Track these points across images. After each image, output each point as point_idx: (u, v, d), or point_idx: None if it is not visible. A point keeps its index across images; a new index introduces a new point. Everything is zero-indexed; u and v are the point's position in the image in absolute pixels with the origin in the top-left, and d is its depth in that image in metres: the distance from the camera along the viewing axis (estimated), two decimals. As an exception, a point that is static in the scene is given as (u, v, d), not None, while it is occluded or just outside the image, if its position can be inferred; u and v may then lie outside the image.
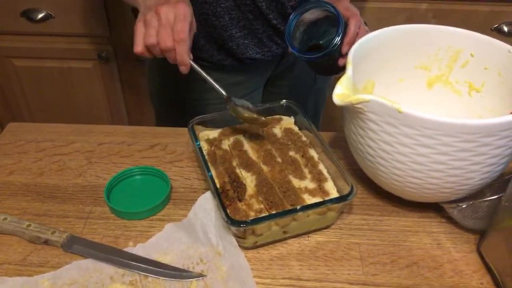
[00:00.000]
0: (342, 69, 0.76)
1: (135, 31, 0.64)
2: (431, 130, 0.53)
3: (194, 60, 0.66)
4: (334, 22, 0.72)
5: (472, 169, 0.56)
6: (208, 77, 0.66)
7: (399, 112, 0.53)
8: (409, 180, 0.59)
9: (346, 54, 0.70)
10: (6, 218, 0.62)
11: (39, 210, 0.66)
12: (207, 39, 0.85)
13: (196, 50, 0.84)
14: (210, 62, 0.87)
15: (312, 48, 0.77)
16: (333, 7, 0.72)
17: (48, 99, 1.50)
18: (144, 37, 0.63)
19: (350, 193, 0.60)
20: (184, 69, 0.64)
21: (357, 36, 0.73)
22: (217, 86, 0.67)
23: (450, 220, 0.65)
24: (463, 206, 0.60)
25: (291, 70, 0.97)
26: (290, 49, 0.78)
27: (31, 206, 0.66)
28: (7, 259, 0.59)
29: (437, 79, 0.74)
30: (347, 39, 0.72)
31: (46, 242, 0.61)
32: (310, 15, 0.76)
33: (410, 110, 0.53)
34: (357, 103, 0.56)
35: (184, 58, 0.63)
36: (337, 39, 0.71)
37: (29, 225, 0.62)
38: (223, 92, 0.67)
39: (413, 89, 0.74)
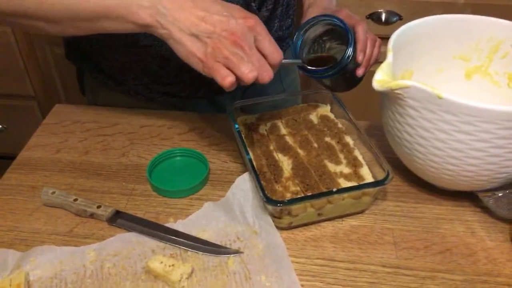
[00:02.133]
0: (359, 81, 0.74)
1: (212, 69, 0.54)
2: (470, 117, 0.53)
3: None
4: (339, 34, 0.69)
5: (510, 157, 0.56)
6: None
7: (439, 98, 0.54)
8: (446, 167, 0.60)
9: (360, 64, 0.69)
10: (54, 192, 0.66)
11: (84, 186, 0.69)
12: (178, 71, 0.80)
13: (163, 86, 0.82)
14: (181, 96, 0.83)
15: (317, 64, 0.71)
16: (337, 18, 0.68)
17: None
18: (240, 71, 0.54)
19: (386, 178, 0.61)
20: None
21: (368, 42, 0.69)
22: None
23: (485, 209, 0.66)
24: (499, 195, 0.60)
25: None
26: (300, 72, 0.71)
27: (77, 182, 0.70)
28: (55, 230, 0.63)
29: (476, 70, 0.74)
30: (359, 47, 0.68)
31: (92, 215, 0.64)
32: (312, 33, 0.72)
33: (451, 96, 0.53)
34: (396, 89, 0.56)
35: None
36: (350, 49, 0.67)
37: (76, 199, 0.65)
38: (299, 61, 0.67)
39: (451, 79, 0.74)
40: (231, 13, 0.55)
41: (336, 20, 0.68)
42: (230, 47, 0.54)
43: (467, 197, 0.67)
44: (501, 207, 0.62)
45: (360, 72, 0.70)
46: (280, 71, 0.94)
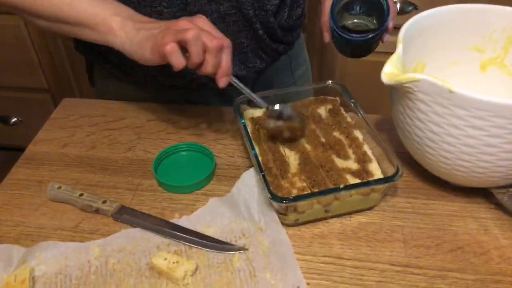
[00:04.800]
0: (375, 47, 0.74)
1: (168, 53, 0.58)
2: (482, 111, 0.51)
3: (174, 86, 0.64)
4: (366, 2, 0.70)
5: (525, 153, 0.54)
6: (247, 89, 0.66)
7: (450, 92, 0.52)
8: (458, 163, 0.58)
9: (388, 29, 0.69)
10: (60, 187, 0.66)
11: (90, 180, 0.69)
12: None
13: (170, 78, 0.81)
14: (188, 88, 0.84)
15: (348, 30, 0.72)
16: None
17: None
18: (192, 55, 0.58)
19: (396, 174, 0.59)
20: (225, 82, 0.62)
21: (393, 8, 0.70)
22: (256, 98, 0.67)
23: (499, 206, 0.63)
24: (514, 192, 0.58)
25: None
26: (332, 27, 0.72)
27: (83, 177, 0.70)
28: (60, 225, 0.63)
29: (491, 61, 0.71)
30: (391, 14, 0.68)
31: (97, 210, 0.64)
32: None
33: (462, 90, 0.51)
34: (406, 82, 0.55)
35: (230, 68, 0.61)
36: (389, 16, 0.67)
37: (82, 194, 0.65)
38: (264, 104, 0.67)
39: (465, 72, 0.72)
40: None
41: None
42: (175, 28, 0.58)
43: (481, 193, 0.64)
44: (516, 204, 0.60)
45: (385, 38, 0.71)
46: (291, 63, 0.93)
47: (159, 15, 0.71)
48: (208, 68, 0.60)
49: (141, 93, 0.85)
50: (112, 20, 0.62)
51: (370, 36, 0.69)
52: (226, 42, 0.60)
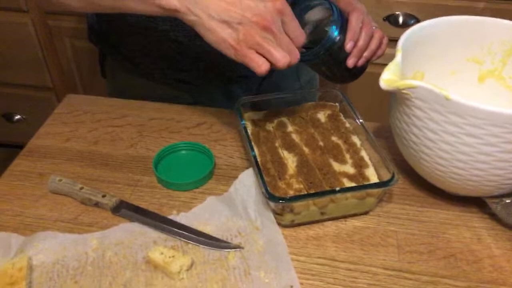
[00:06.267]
0: (359, 72, 0.73)
1: (260, 72, 0.56)
2: (478, 119, 0.52)
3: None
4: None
5: (519, 163, 0.55)
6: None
7: (447, 99, 0.53)
8: (453, 171, 0.59)
9: (350, 53, 0.68)
10: (61, 180, 0.67)
11: (91, 175, 0.70)
12: (193, 59, 0.81)
13: (178, 72, 0.83)
14: (194, 84, 0.85)
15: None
16: (328, 1, 0.67)
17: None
18: (274, 57, 0.56)
19: (391, 179, 0.60)
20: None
21: (361, 31, 0.69)
22: None
23: (493, 216, 0.64)
24: (507, 201, 0.59)
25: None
26: None
27: (84, 171, 0.71)
28: (60, 217, 0.64)
29: (489, 73, 0.72)
30: (349, 35, 0.67)
31: (97, 204, 0.65)
32: (313, 16, 0.70)
33: (458, 97, 0.52)
34: (404, 89, 0.56)
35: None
36: (332, 32, 0.66)
37: (82, 188, 0.66)
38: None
39: (464, 82, 0.73)
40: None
41: (326, 2, 0.67)
42: (261, 32, 0.55)
43: (475, 203, 0.65)
44: (509, 214, 0.61)
45: (350, 62, 0.69)
46: (297, 67, 0.94)
47: None
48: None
49: (148, 85, 0.86)
50: None
51: (309, 54, 0.67)
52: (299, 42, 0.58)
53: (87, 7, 0.62)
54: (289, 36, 0.58)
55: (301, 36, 0.58)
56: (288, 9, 0.57)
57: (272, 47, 0.55)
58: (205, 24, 0.56)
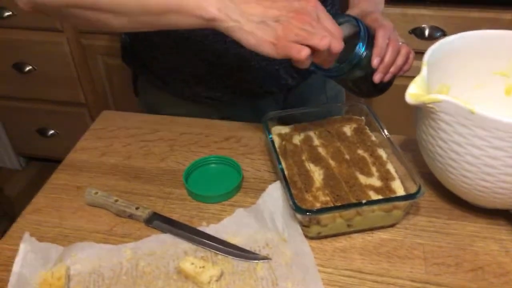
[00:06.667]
0: (386, 87, 0.74)
1: (301, 62, 0.57)
2: (504, 132, 0.53)
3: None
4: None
5: (546, 176, 0.55)
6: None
7: (472, 113, 0.54)
8: (479, 184, 0.59)
9: (377, 68, 0.68)
10: (97, 193, 0.70)
11: (125, 188, 0.73)
12: (221, 76, 0.84)
13: (206, 90, 0.85)
14: (223, 101, 0.87)
15: None
16: (355, 18, 0.69)
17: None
18: (313, 41, 0.56)
19: (417, 192, 0.61)
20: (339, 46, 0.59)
21: (388, 47, 0.69)
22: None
23: (522, 229, 0.64)
24: (536, 214, 0.59)
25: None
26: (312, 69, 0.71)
27: (118, 184, 0.74)
28: (95, 228, 0.67)
29: (517, 86, 0.72)
30: (376, 51, 0.68)
31: (131, 216, 0.67)
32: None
33: (483, 111, 0.53)
34: (429, 103, 0.57)
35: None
36: (359, 48, 0.67)
37: (117, 200, 0.69)
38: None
39: (490, 95, 0.73)
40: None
41: (352, 19, 0.68)
42: (299, 25, 0.56)
43: (503, 215, 0.65)
44: (538, 227, 0.60)
45: (376, 78, 0.70)
46: (324, 82, 0.96)
47: None
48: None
49: (178, 105, 0.90)
50: (205, 1, 0.57)
51: (339, 68, 0.68)
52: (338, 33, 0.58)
53: (127, 26, 0.64)
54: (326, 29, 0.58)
55: (338, 29, 0.58)
56: (322, 7, 0.58)
57: (310, 34, 0.56)
58: (244, 28, 0.57)
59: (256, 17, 0.57)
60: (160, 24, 0.62)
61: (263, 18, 0.57)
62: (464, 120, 0.55)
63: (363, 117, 0.77)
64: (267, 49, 0.57)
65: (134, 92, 0.99)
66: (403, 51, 0.72)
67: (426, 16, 1.32)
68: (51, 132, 1.82)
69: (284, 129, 0.76)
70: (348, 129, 0.76)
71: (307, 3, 0.58)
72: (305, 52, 0.56)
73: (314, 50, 0.57)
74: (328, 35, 0.57)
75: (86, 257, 0.62)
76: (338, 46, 0.58)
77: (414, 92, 0.58)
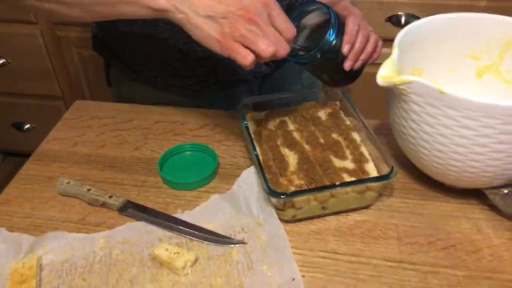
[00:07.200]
0: (356, 75, 0.75)
1: (245, 66, 0.57)
2: (472, 112, 0.53)
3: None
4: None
5: (514, 154, 0.56)
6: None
7: (442, 93, 0.54)
8: (451, 163, 0.60)
9: (347, 56, 0.69)
10: (69, 182, 0.69)
11: (98, 177, 0.72)
12: (193, 65, 0.83)
13: (179, 79, 0.84)
14: (196, 90, 0.86)
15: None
16: (324, 5, 0.69)
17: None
18: (258, 47, 0.56)
19: (390, 173, 0.61)
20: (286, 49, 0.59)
21: (357, 34, 0.70)
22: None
23: (492, 208, 0.65)
24: (505, 192, 0.60)
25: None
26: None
27: (91, 174, 0.73)
28: (68, 218, 0.66)
29: (487, 68, 0.73)
30: (346, 38, 0.68)
31: (104, 205, 0.67)
32: (310, 20, 0.72)
33: (452, 91, 0.54)
34: (400, 84, 0.57)
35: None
36: (329, 36, 0.67)
37: (89, 189, 0.68)
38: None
39: (462, 78, 0.74)
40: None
41: (323, 7, 0.68)
42: (246, 25, 0.55)
43: (474, 195, 0.66)
44: (507, 204, 0.61)
45: (346, 65, 0.70)
46: (300, 70, 0.96)
47: None
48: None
49: (151, 92, 0.88)
50: None
51: (306, 57, 0.68)
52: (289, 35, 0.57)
53: (85, 16, 0.63)
54: (277, 29, 0.57)
55: (290, 28, 0.58)
56: (273, 2, 0.57)
57: (256, 38, 0.55)
58: (191, 21, 0.56)
59: (204, 11, 0.56)
60: (116, 13, 0.61)
61: (211, 13, 0.55)
62: (434, 100, 0.55)
63: (337, 102, 0.77)
64: (212, 45, 0.57)
65: (107, 82, 0.98)
66: (372, 38, 0.73)
67: (402, 4, 1.33)
68: (27, 126, 1.78)
69: (259, 115, 0.76)
70: (323, 114, 0.76)
71: (257, 0, 0.56)
72: (250, 58, 0.56)
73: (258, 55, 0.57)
74: (274, 44, 0.56)
75: (58, 247, 0.61)
76: (283, 51, 0.57)
77: (385, 74, 0.59)
